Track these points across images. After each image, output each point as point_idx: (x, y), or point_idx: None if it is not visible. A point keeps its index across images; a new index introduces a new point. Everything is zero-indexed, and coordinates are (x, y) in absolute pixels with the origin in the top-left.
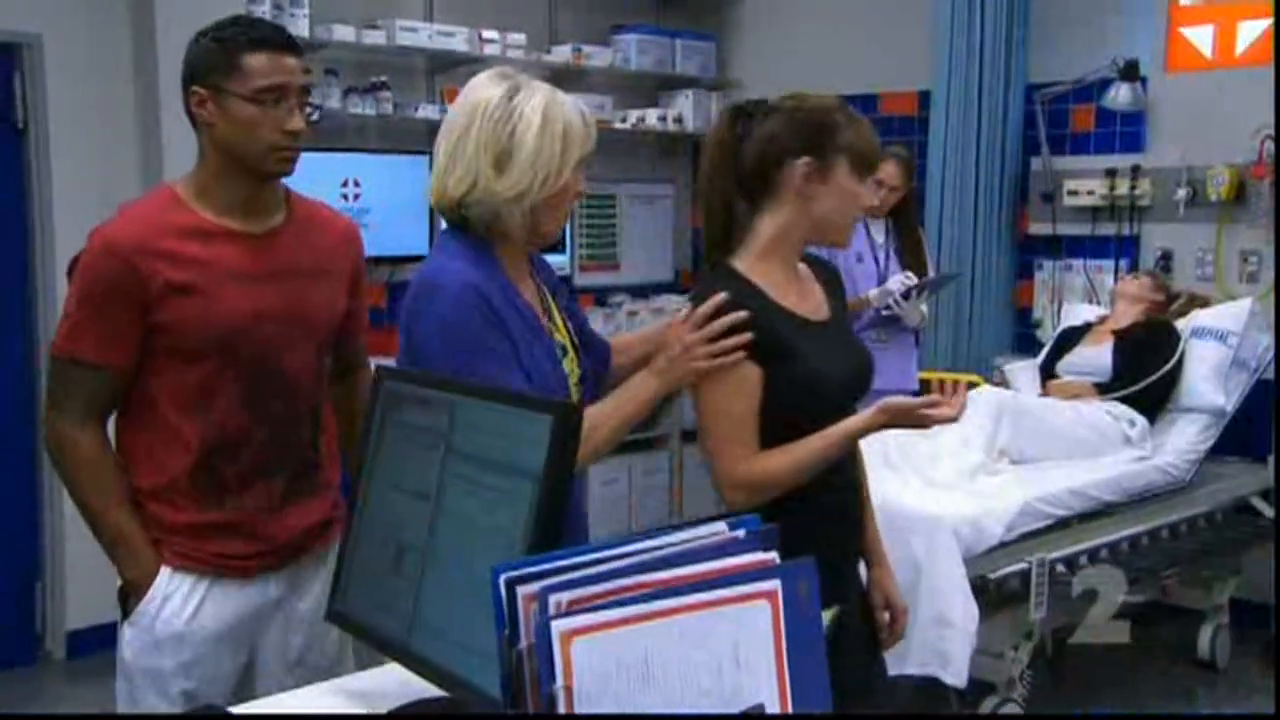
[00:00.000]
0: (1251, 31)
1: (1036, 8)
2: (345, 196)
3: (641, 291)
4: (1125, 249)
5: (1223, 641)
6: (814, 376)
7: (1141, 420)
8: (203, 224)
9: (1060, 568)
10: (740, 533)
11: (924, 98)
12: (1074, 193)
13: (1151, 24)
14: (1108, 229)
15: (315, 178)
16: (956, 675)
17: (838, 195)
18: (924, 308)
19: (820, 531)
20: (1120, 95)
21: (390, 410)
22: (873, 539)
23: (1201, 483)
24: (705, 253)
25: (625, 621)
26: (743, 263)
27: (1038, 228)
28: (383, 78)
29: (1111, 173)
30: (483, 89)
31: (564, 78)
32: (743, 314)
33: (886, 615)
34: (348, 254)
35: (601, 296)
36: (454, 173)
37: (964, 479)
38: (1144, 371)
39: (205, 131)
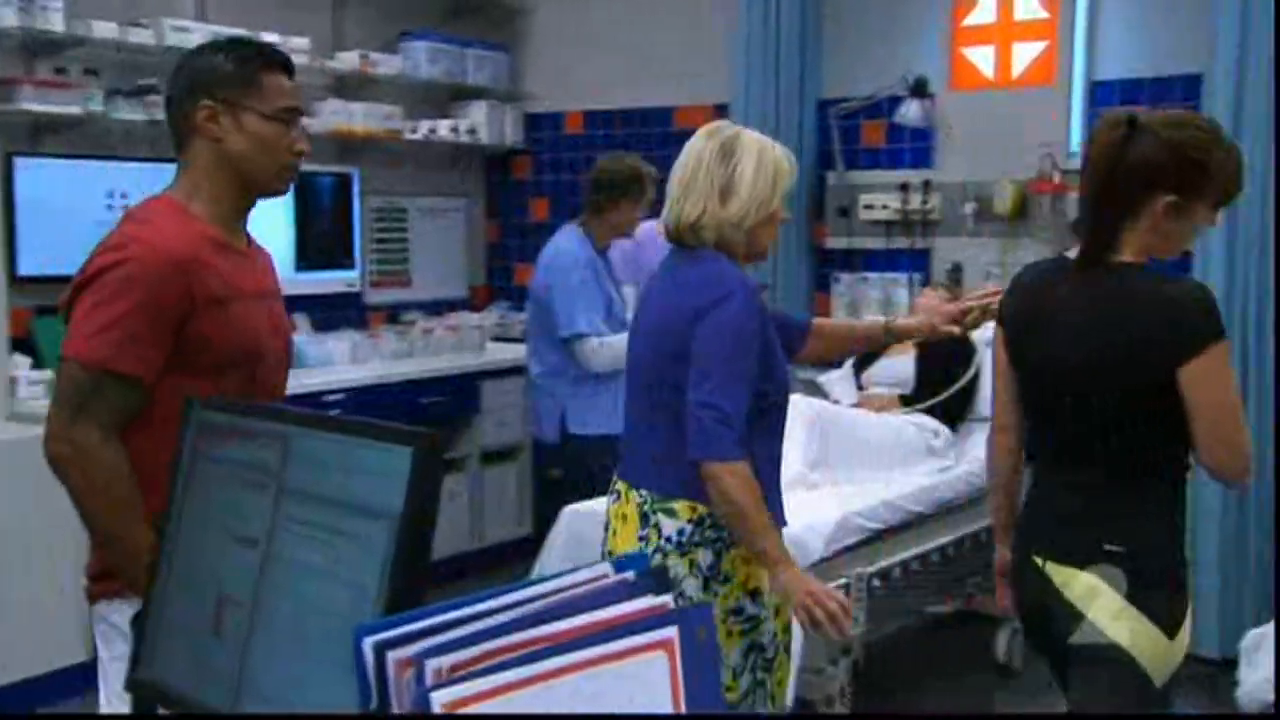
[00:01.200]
0: (1028, 53)
1: (829, 25)
2: (110, 208)
3: (435, 308)
4: (918, 262)
5: (1018, 645)
6: None
7: (945, 431)
8: (217, 238)
9: (876, 582)
10: (628, 574)
11: (721, 111)
12: (869, 207)
13: (937, 43)
14: (901, 242)
15: (76, 189)
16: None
17: (1179, 234)
18: None
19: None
20: (910, 112)
21: (205, 444)
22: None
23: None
24: (1085, 250)
25: (513, 686)
26: (1129, 259)
27: (835, 241)
28: (152, 80)
29: (904, 187)
30: (704, 138)
31: (351, 85)
32: None
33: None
34: (273, 277)
35: (394, 314)
36: (683, 203)
37: (784, 493)
38: (945, 383)
39: (208, 145)
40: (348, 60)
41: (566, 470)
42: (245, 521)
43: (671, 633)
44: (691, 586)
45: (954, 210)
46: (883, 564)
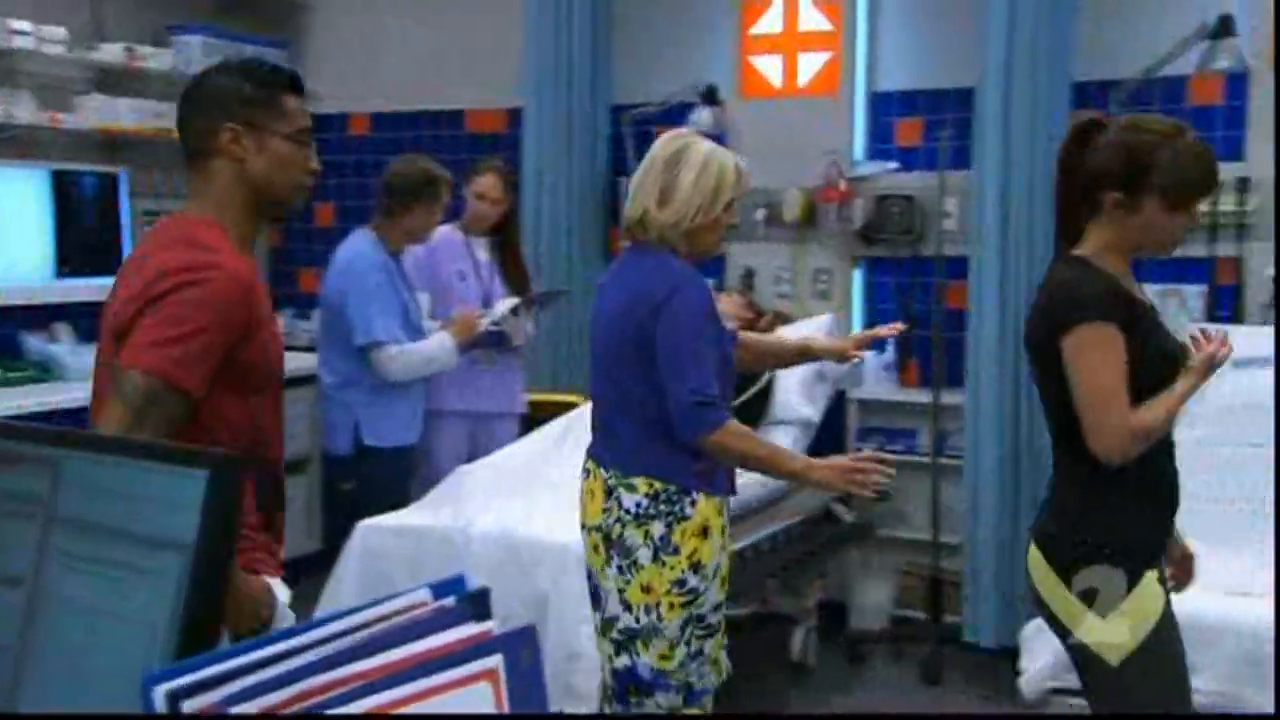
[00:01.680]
0: (813, 63)
1: (620, 31)
2: None
3: None
4: (713, 267)
5: (812, 643)
6: (1157, 349)
7: None
8: (250, 260)
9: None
10: (447, 600)
11: (515, 116)
12: None
13: (727, 51)
14: None
15: None
16: (588, 709)
17: (1154, 226)
18: (530, 326)
19: (1148, 497)
20: (702, 119)
21: None
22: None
23: (792, 492)
24: (1055, 245)
25: None
26: (1090, 256)
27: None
28: None
29: None
30: (661, 144)
31: (116, 79)
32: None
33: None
34: None
35: None
36: (632, 203)
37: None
38: (742, 386)
39: (230, 166)
40: (111, 53)
41: (360, 483)
42: (5, 557)
43: (495, 661)
44: (644, 556)
45: (745, 216)
46: None
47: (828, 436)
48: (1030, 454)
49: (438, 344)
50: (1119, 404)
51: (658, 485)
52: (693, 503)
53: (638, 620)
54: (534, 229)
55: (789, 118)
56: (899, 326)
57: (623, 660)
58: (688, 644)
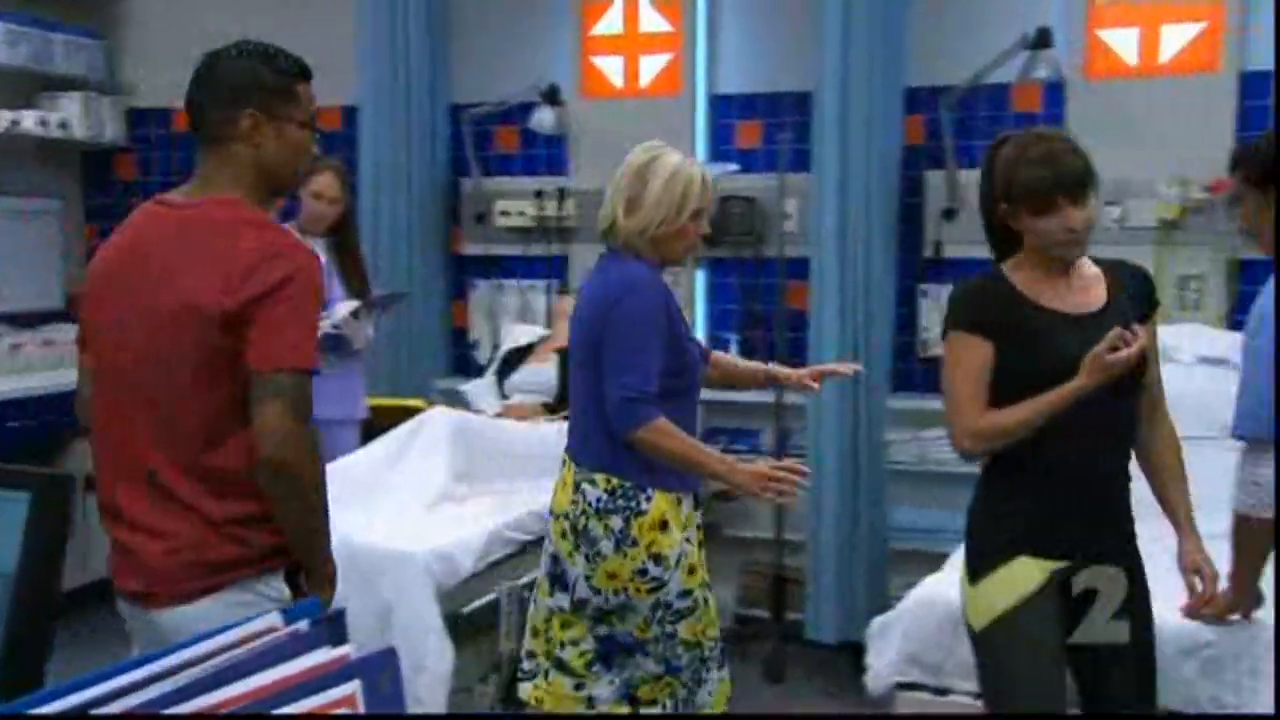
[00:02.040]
0: (654, 65)
1: (458, 29)
2: None
3: (26, 321)
4: (556, 269)
5: None
6: (1039, 355)
7: None
8: None
9: (527, 594)
10: (301, 624)
11: (348, 114)
12: (505, 213)
13: (568, 51)
14: (539, 249)
15: None
16: None
17: (1030, 233)
18: (370, 330)
19: (1032, 489)
20: (544, 119)
21: None
22: (1175, 512)
23: None
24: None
25: None
26: (1008, 265)
27: (472, 248)
28: None
29: (540, 194)
30: (633, 155)
31: None
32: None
33: (1196, 580)
34: None
35: None
36: (603, 210)
37: (429, 509)
38: None
39: (247, 151)
40: None
41: None
42: None
43: (354, 687)
44: (607, 547)
45: (589, 217)
46: (534, 575)
47: None
48: (870, 452)
49: None
50: (966, 406)
51: (614, 481)
52: (648, 498)
53: (607, 601)
54: (372, 230)
55: (632, 119)
56: (857, 367)
57: (601, 629)
58: (660, 624)
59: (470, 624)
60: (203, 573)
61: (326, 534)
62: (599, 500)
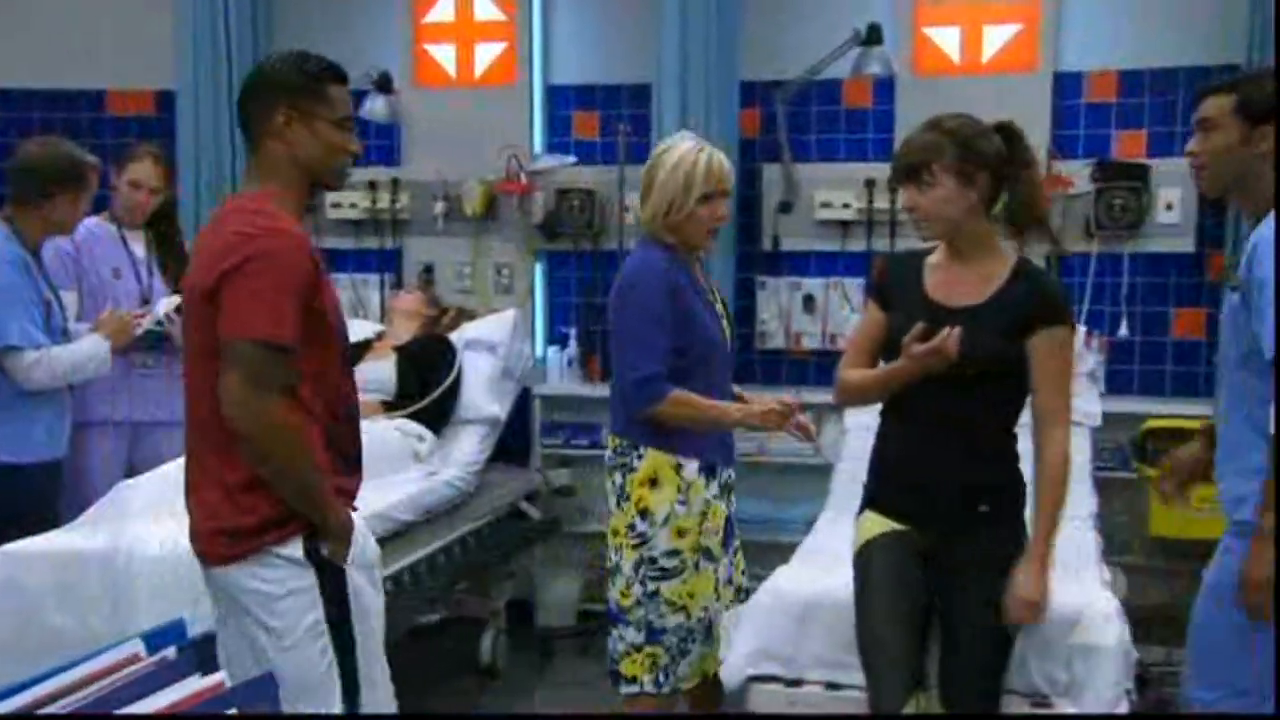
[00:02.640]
0: (489, 53)
1: (282, 12)
2: None
3: None
4: (389, 262)
5: (502, 646)
6: (891, 333)
7: (430, 435)
8: (301, 226)
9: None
10: (167, 652)
11: (163, 98)
12: (336, 205)
13: (399, 38)
14: (371, 242)
15: None
16: None
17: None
18: None
19: (879, 459)
20: (375, 107)
21: None
22: (1033, 536)
23: (481, 492)
24: None
25: None
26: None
27: None
28: None
29: (373, 185)
30: (654, 150)
31: None
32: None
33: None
34: None
35: None
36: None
37: None
38: (427, 386)
39: (283, 148)
40: None
41: None
42: None
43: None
44: (612, 502)
45: (424, 209)
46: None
47: (514, 433)
48: None
49: (89, 348)
50: (843, 360)
51: (617, 440)
52: (640, 456)
53: (610, 559)
54: (193, 221)
55: (466, 108)
56: (812, 434)
57: (607, 594)
58: (642, 583)
59: None
60: (226, 541)
61: (315, 492)
62: (608, 459)
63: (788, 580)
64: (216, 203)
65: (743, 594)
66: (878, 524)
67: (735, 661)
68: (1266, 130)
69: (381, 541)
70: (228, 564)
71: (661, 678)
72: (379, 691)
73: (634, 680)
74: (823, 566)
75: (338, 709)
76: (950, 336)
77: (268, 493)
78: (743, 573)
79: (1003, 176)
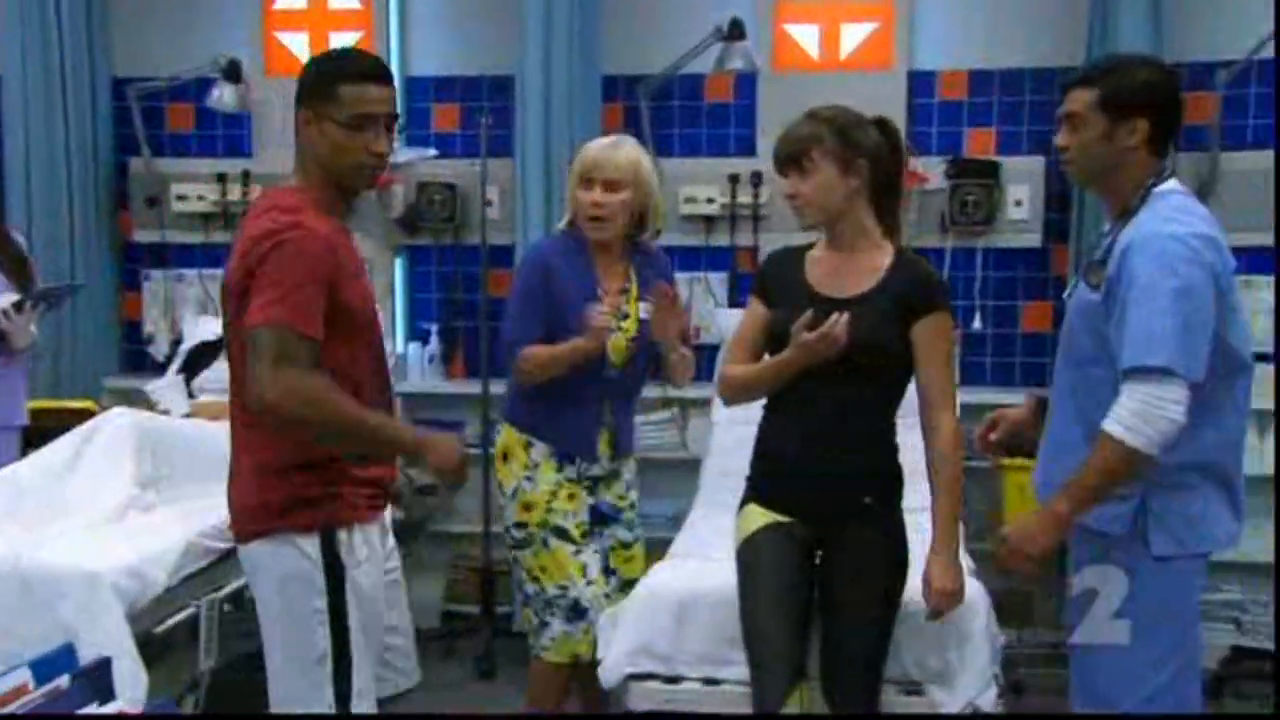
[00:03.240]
0: (343, 43)
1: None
2: None
3: None
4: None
5: None
6: (774, 326)
7: None
8: (334, 221)
9: (228, 607)
10: (60, 680)
11: None
12: (183, 197)
13: (248, 24)
14: (222, 237)
15: None
16: None
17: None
18: (34, 327)
19: (760, 451)
20: (224, 96)
21: None
22: (936, 523)
23: None
24: None
25: None
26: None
27: (144, 235)
28: None
29: (222, 178)
30: None
31: None
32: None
33: (929, 591)
34: None
35: None
36: None
37: (113, 521)
38: None
39: (307, 147)
40: None
41: None
42: None
43: None
44: None
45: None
46: (235, 585)
47: None
48: None
49: None
50: (726, 356)
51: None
52: (497, 432)
53: None
54: (24, 216)
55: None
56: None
57: None
58: (508, 548)
59: (165, 643)
60: (248, 518)
61: (377, 433)
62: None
63: (665, 577)
64: (59, 197)
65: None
66: (761, 516)
67: (614, 659)
68: (1134, 125)
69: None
70: (249, 541)
71: (532, 640)
72: (365, 701)
73: (523, 636)
74: (699, 563)
75: (327, 697)
76: (839, 323)
77: (291, 478)
78: (645, 572)
79: (885, 169)
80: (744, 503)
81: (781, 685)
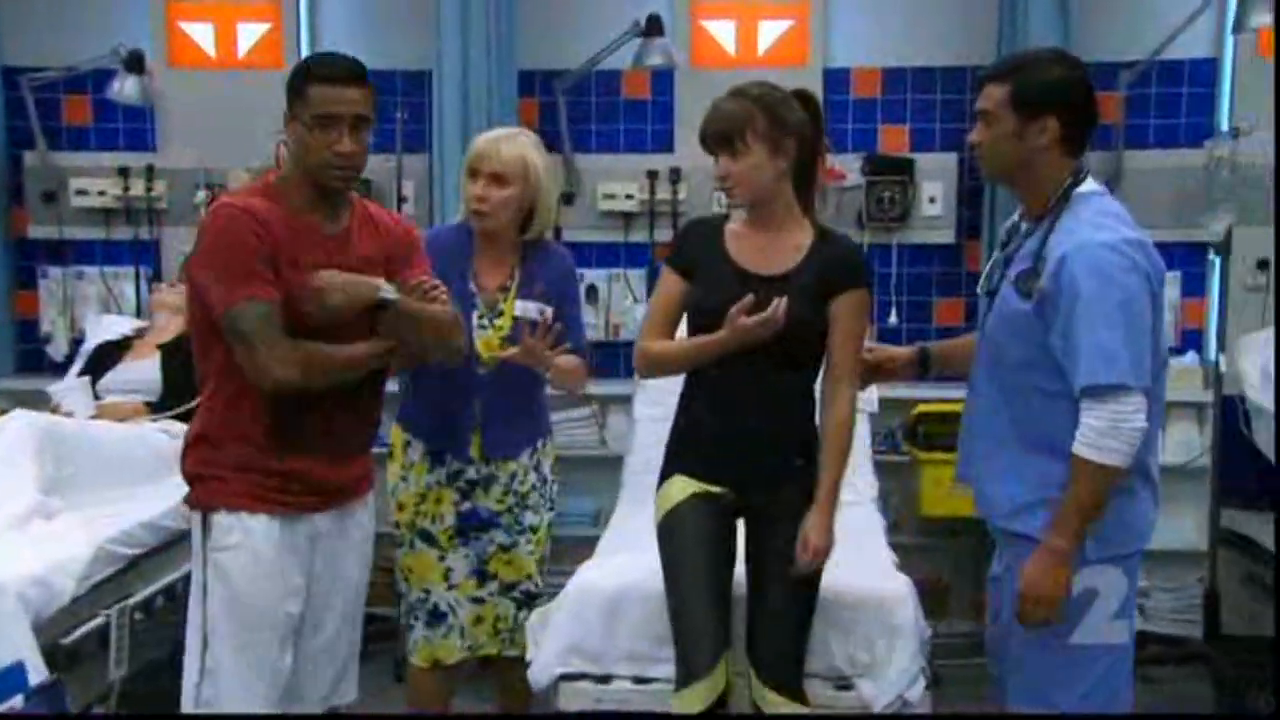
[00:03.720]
0: (251, 34)
1: None
2: None
3: None
4: (145, 255)
5: None
6: (699, 302)
7: None
8: (295, 218)
9: (140, 615)
10: (13, 700)
11: None
12: (83, 192)
13: (150, 14)
14: (124, 233)
15: None
16: None
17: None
18: None
19: (685, 424)
20: (125, 88)
21: None
22: (818, 487)
23: None
24: None
25: None
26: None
27: (40, 230)
28: None
29: (124, 171)
30: None
31: None
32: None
33: (801, 552)
34: (402, 243)
35: None
36: None
37: (16, 529)
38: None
39: (288, 143)
40: None
41: None
42: None
43: None
44: None
45: (184, 199)
46: (147, 592)
47: None
48: None
49: None
50: (645, 330)
51: None
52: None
53: None
54: None
55: (229, 91)
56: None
57: None
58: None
59: (72, 655)
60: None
61: (363, 361)
62: None
63: (594, 575)
64: None
65: (519, 593)
66: (684, 488)
67: (544, 660)
68: (1044, 124)
69: (156, 550)
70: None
71: (406, 643)
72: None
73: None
74: (627, 560)
75: (195, 668)
76: (778, 307)
77: (199, 452)
78: (529, 576)
79: (809, 146)
80: (664, 476)
81: (708, 655)
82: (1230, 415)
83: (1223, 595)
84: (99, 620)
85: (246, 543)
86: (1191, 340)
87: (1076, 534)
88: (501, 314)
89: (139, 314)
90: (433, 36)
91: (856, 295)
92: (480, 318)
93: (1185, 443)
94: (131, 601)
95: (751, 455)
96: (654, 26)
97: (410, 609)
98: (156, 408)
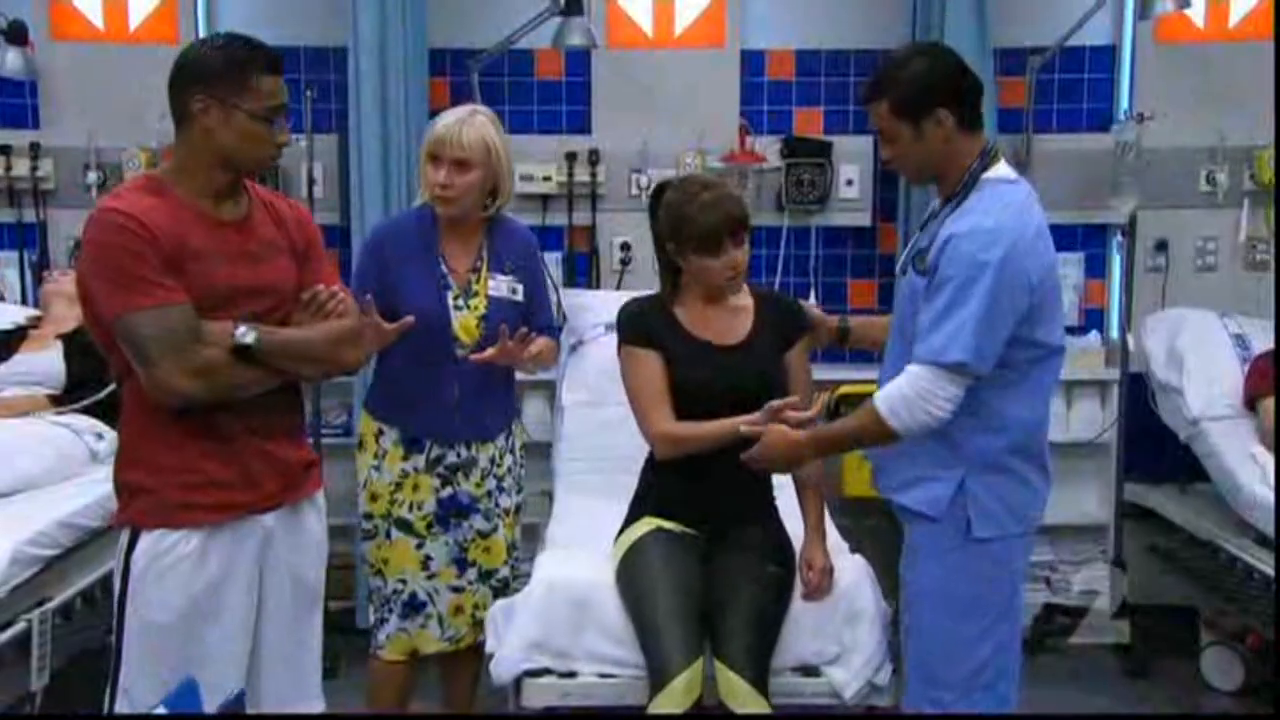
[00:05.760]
0: (145, 6)
1: None
2: None
3: None
4: (31, 239)
5: None
6: (680, 379)
7: (110, 432)
8: (194, 208)
9: (60, 619)
10: None
11: None
12: None
13: None
14: (6, 216)
15: None
16: None
17: (696, 271)
18: None
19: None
20: (8, 60)
21: None
22: (805, 518)
23: None
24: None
25: None
26: (667, 297)
27: None
28: None
29: (6, 149)
30: None
31: None
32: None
33: (809, 572)
34: (300, 232)
35: None
36: None
37: None
38: (103, 376)
39: (200, 132)
40: None
41: None
42: None
43: None
44: None
45: (73, 179)
46: (68, 594)
47: None
48: None
49: None
50: (652, 413)
51: None
52: (357, 420)
53: None
54: None
55: (123, 67)
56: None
57: None
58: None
59: None
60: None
61: (300, 353)
62: None
63: (559, 570)
64: None
65: (497, 580)
66: (651, 523)
67: (508, 656)
68: (937, 117)
69: (69, 553)
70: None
71: (371, 638)
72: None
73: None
74: (585, 554)
75: (112, 684)
76: (822, 401)
77: (127, 461)
78: (506, 562)
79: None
80: (629, 523)
81: (681, 662)
82: (1135, 392)
83: (1127, 567)
84: (20, 626)
85: (171, 570)
86: (1094, 319)
87: (825, 453)
88: (475, 294)
89: (24, 301)
90: (340, 11)
91: (803, 340)
92: (455, 299)
93: (1089, 419)
94: (52, 604)
95: (721, 502)
96: (573, 5)
97: (385, 602)
98: (61, 400)
